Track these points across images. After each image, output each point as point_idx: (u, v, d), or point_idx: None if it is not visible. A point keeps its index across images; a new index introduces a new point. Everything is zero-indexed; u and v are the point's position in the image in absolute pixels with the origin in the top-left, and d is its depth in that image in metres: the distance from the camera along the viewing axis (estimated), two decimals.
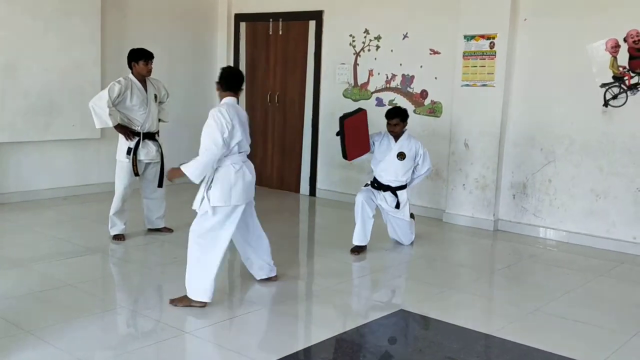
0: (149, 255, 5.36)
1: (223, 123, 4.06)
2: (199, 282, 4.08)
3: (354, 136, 5.34)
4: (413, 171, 5.60)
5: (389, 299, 4.60)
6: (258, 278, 4.62)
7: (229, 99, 4.29)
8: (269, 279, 4.63)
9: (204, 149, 4.04)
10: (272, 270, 4.64)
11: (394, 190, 5.54)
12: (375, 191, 5.56)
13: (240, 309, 4.25)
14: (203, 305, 4.09)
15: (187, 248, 4.13)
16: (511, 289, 4.90)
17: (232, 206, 4.13)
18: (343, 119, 5.27)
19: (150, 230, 5.88)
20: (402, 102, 7.02)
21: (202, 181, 4.15)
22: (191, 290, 4.10)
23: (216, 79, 4.38)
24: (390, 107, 5.87)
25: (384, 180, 5.55)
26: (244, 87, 4.45)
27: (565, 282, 4.93)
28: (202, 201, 4.10)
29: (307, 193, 8.10)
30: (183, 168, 4.08)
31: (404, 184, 5.57)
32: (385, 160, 5.52)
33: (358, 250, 5.47)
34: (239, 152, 4.23)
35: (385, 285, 4.87)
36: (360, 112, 5.48)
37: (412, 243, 5.81)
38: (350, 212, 5.65)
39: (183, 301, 4.12)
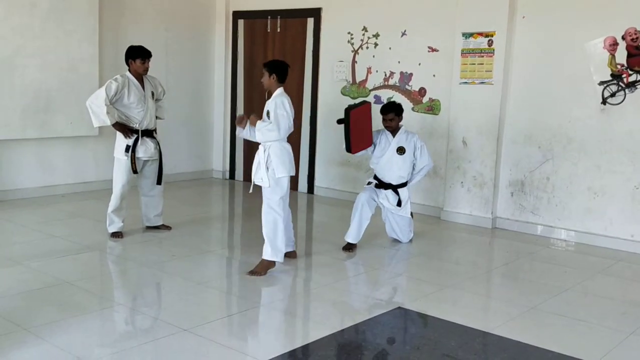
0: (147, 253, 5.36)
1: (289, 111, 4.78)
2: (277, 244, 4.78)
3: (358, 128, 5.31)
4: (413, 168, 5.61)
5: (387, 296, 4.61)
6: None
7: (282, 89, 4.86)
8: (289, 255, 5.10)
9: (280, 127, 4.71)
10: (294, 245, 5.22)
11: (395, 188, 5.54)
12: (377, 190, 5.57)
13: (238, 306, 4.26)
14: (273, 265, 4.81)
15: (263, 219, 4.79)
16: (509, 287, 4.91)
17: (290, 176, 4.85)
18: (349, 110, 5.25)
19: (148, 227, 5.87)
20: (401, 99, 7.02)
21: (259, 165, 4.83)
22: (270, 252, 4.76)
23: (266, 68, 4.87)
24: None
25: (386, 178, 5.55)
26: None
27: (563, 280, 4.94)
28: (267, 177, 4.76)
29: (305, 191, 8.10)
30: (258, 124, 4.75)
31: (405, 180, 5.57)
32: (385, 157, 5.51)
33: (350, 247, 5.47)
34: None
35: (383, 283, 4.88)
36: (365, 104, 5.47)
37: (410, 241, 5.81)
38: (348, 209, 5.65)
39: (262, 267, 4.77)
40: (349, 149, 5.34)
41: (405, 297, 4.60)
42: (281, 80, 4.85)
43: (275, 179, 4.77)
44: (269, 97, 4.87)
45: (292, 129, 4.88)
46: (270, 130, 4.73)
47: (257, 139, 4.80)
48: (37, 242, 5.42)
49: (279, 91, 4.81)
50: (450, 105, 6.71)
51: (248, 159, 8.26)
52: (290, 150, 4.89)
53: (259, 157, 4.84)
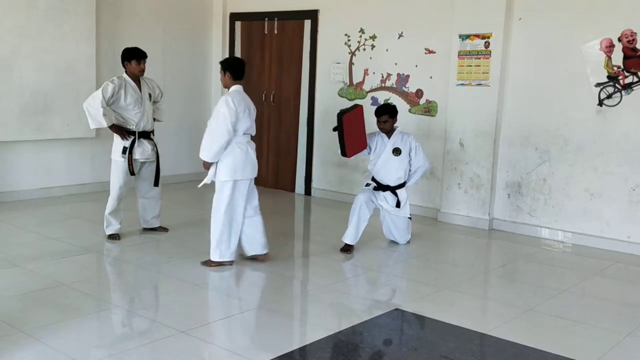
0: (144, 255, 5.35)
1: (233, 111, 4.60)
2: (224, 246, 4.82)
3: (352, 132, 5.34)
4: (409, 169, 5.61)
5: (384, 298, 4.61)
6: (249, 254, 5.02)
7: (237, 87, 4.80)
8: (257, 258, 5.06)
9: (217, 132, 4.60)
10: (264, 248, 5.07)
11: (393, 189, 5.55)
12: (375, 192, 5.57)
13: (235, 308, 4.25)
14: (230, 263, 4.85)
15: (211, 219, 4.83)
16: (506, 288, 4.92)
17: (237, 180, 4.71)
18: (341, 115, 5.27)
19: (146, 229, 5.87)
20: (398, 101, 7.03)
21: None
22: (215, 254, 4.83)
23: (219, 69, 4.88)
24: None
25: (384, 180, 5.55)
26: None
27: (560, 281, 4.95)
28: (215, 177, 4.73)
29: (303, 192, 8.10)
30: (202, 158, 4.69)
31: (403, 181, 5.58)
32: (381, 158, 5.52)
33: (348, 249, 5.47)
34: (244, 134, 4.75)
35: (380, 285, 4.88)
36: (357, 107, 5.49)
37: (407, 242, 5.82)
38: (345, 211, 5.65)
39: (211, 264, 4.86)
40: (344, 153, 5.38)
41: (403, 299, 4.60)
42: (236, 78, 4.78)
43: (220, 182, 4.76)
44: None
45: (247, 130, 4.75)
46: (206, 135, 4.66)
47: (205, 157, 4.70)
48: (34, 244, 5.41)
49: (231, 89, 4.77)
50: (447, 107, 6.72)
51: None
52: (243, 153, 4.73)
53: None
